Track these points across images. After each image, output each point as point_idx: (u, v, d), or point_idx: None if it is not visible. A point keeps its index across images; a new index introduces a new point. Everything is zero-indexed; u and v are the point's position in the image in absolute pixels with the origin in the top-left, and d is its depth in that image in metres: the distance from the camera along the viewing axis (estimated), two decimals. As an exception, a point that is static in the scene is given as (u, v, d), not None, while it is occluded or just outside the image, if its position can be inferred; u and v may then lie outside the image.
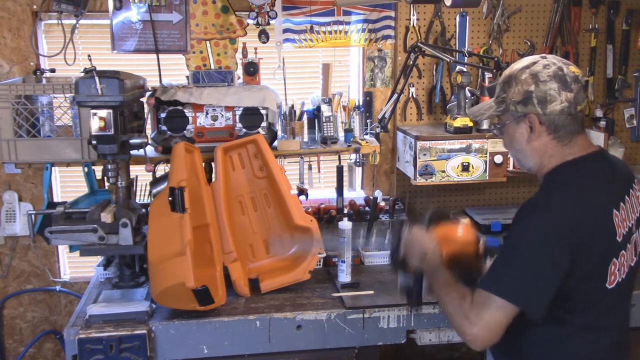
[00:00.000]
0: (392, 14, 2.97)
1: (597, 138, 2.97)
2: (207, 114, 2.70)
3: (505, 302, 1.60)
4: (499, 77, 1.85)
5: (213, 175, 2.69)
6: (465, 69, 2.80)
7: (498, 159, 2.76)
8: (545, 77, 1.67)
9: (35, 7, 2.74)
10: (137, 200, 2.64)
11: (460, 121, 2.75)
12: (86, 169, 2.69)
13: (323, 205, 2.84)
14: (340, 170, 2.84)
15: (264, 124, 2.73)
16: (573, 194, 1.65)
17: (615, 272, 1.67)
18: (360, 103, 3.00)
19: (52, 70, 2.73)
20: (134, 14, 2.69)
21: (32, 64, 2.78)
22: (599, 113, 3.13)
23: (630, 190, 1.74)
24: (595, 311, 1.68)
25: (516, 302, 1.60)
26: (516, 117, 1.73)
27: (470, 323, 1.63)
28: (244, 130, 2.73)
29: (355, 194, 3.12)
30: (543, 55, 1.75)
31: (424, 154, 2.74)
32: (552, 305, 1.62)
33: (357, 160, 2.91)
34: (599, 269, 1.65)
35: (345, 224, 2.61)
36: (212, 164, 2.67)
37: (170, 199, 2.25)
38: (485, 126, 2.78)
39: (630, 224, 1.70)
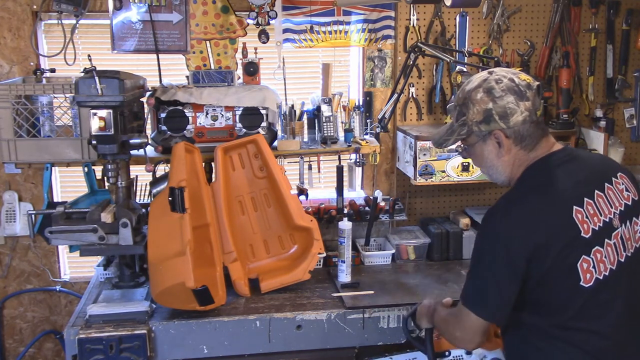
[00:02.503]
0: (392, 14, 2.97)
1: (597, 138, 2.97)
2: (207, 114, 2.70)
3: (468, 310, 1.71)
4: (453, 100, 1.89)
5: (213, 175, 2.69)
6: (465, 69, 2.80)
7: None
8: (500, 92, 1.70)
9: (35, 7, 2.74)
10: (137, 200, 2.64)
11: (460, 121, 2.74)
12: (86, 169, 2.69)
13: (323, 205, 2.84)
14: (340, 170, 2.84)
15: (264, 124, 2.73)
16: (524, 198, 1.69)
17: (590, 269, 1.63)
18: (360, 103, 2.99)
19: (52, 70, 2.73)
20: (134, 14, 2.69)
21: (32, 64, 2.78)
22: (599, 113, 3.13)
23: (606, 184, 1.71)
24: (570, 311, 1.64)
25: (476, 312, 1.69)
26: (481, 136, 1.76)
27: (453, 329, 1.79)
28: (244, 130, 2.73)
29: (355, 194, 3.12)
30: (490, 70, 1.79)
31: (424, 154, 2.74)
32: (523, 310, 1.69)
33: (357, 160, 2.91)
34: (564, 269, 1.62)
35: (345, 224, 2.61)
36: (212, 164, 2.67)
37: (170, 199, 2.25)
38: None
39: (606, 218, 1.67)
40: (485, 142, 1.77)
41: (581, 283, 1.63)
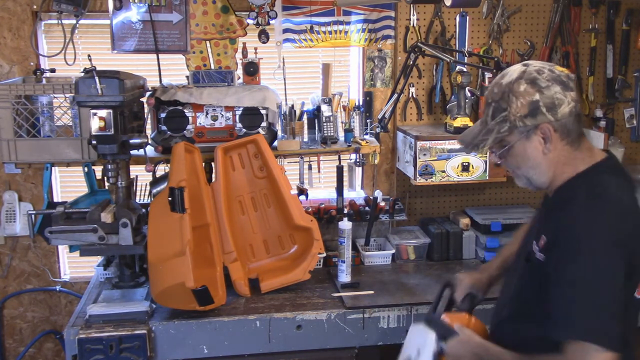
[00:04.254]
0: (392, 14, 2.97)
1: (597, 138, 2.97)
2: (207, 114, 2.70)
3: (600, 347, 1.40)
4: (481, 99, 1.76)
5: (213, 175, 2.69)
6: (465, 69, 2.80)
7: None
8: (546, 82, 1.58)
9: (35, 7, 2.74)
10: (137, 200, 2.64)
11: (460, 121, 2.75)
12: (86, 169, 2.69)
13: (323, 205, 2.84)
14: (340, 170, 2.84)
15: (264, 124, 2.73)
16: (616, 203, 1.53)
17: None
18: (360, 103, 2.99)
19: (52, 70, 2.73)
20: (134, 14, 2.69)
21: (32, 64, 2.78)
22: (599, 113, 3.13)
23: None
24: (627, 324, 1.57)
25: (604, 344, 1.40)
26: (525, 132, 1.61)
27: None
28: (244, 130, 2.73)
29: (355, 194, 3.12)
30: (525, 63, 1.66)
31: (424, 154, 2.74)
32: None
33: (357, 160, 2.91)
34: (637, 278, 1.56)
35: (345, 224, 2.61)
36: (212, 164, 2.67)
37: (170, 199, 2.25)
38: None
39: None
40: (529, 139, 1.61)
41: (635, 294, 1.58)
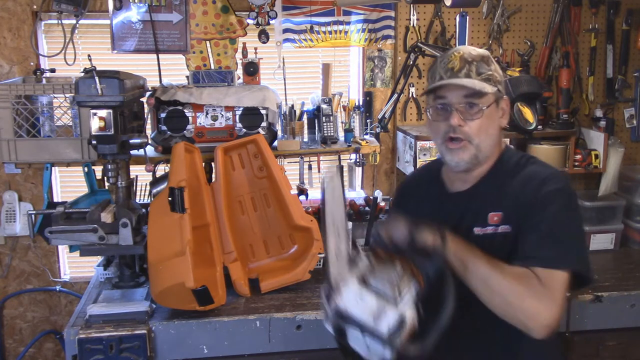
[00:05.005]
0: (392, 14, 2.98)
1: (597, 138, 2.97)
2: (207, 114, 2.70)
3: (567, 274, 1.49)
4: (456, 57, 1.63)
5: (213, 175, 2.69)
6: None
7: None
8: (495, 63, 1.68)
9: (35, 7, 2.74)
10: (137, 200, 2.65)
11: (460, 121, 2.74)
12: (86, 169, 2.69)
13: (323, 205, 2.84)
14: (340, 170, 2.84)
15: (264, 124, 2.73)
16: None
17: None
18: (360, 103, 3.00)
19: (52, 70, 2.73)
20: (134, 14, 2.69)
21: (32, 64, 2.78)
22: (599, 113, 3.13)
23: None
24: None
25: (585, 272, 1.54)
26: (499, 97, 1.65)
27: (550, 305, 1.44)
28: (244, 130, 2.73)
29: (355, 194, 3.12)
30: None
31: (424, 154, 2.74)
32: None
33: (357, 160, 2.91)
34: None
35: (345, 224, 2.60)
36: (212, 164, 2.67)
37: (170, 199, 2.25)
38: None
39: None
40: (497, 107, 1.66)
41: None
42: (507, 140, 1.79)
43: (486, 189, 1.68)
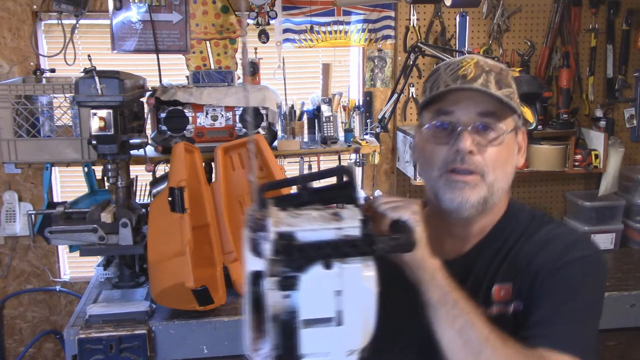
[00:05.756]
0: (392, 14, 2.97)
1: (597, 138, 2.97)
2: (207, 114, 2.70)
3: None
4: (475, 67, 1.21)
5: (213, 175, 2.69)
6: (465, 69, 2.79)
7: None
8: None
9: (35, 7, 2.74)
10: (137, 200, 2.64)
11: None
12: (86, 169, 2.69)
13: (323, 205, 2.84)
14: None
15: (264, 124, 2.73)
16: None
17: None
18: (360, 103, 2.99)
19: (52, 70, 2.73)
20: (134, 14, 2.69)
21: (32, 64, 2.77)
22: (599, 113, 3.12)
23: None
24: None
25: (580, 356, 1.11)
26: (518, 125, 1.24)
27: None
28: (244, 130, 2.73)
29: (355, 194, 3.12)
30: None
31: (424, 154, 2.73)
32: None
33: (357, 160, 2.91)
34: None
35: (345, 224, 2.60)
36: (212, 164, 2.67)
37: (170, 199, 2.25)
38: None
39: None
40: (516, 136, 1.25)
41: None
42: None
43: (490, 253, 1.25)
